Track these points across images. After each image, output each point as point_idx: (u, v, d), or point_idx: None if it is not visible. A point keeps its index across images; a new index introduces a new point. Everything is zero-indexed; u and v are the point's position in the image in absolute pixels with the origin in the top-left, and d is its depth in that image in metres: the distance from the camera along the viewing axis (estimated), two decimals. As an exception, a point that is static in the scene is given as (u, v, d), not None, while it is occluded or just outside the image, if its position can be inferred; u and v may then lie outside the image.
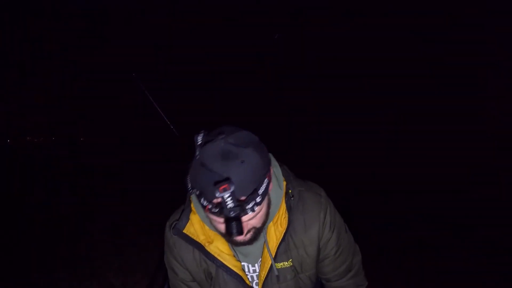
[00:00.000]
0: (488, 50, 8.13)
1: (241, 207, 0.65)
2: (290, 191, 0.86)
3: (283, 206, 0.85)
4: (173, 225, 0.86)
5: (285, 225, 0.84)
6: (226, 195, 0.61)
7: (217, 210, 0.66)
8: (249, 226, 0.75)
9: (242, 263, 0.90)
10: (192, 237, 0.84)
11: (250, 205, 0.67)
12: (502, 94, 8.14)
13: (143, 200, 5.47)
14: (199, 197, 0.70)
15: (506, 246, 3.61)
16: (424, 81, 9.09)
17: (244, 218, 0.70)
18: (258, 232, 0.78)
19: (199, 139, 0.71)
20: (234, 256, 0.88)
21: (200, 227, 0.85)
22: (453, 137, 7.67)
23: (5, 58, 12.34)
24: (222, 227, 0.72)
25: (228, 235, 0.71)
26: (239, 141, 0.68)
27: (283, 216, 0.84)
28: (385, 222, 4.50)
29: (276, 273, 0.88)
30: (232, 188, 0.61)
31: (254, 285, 0.93)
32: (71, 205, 5.34)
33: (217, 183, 0.62)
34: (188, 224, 0.85)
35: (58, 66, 13.44)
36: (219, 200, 0.64)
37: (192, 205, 0.87)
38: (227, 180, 0.63)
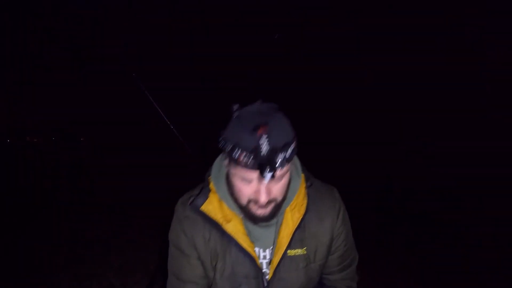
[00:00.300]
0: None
1: (274, 154, 0.69)
2: (308, 181, 0.91)
3: (302, 193, 0.89)
4: (191, 201, 0.89)
5: (302, 212, 0.88)
6: (264, 137, 0.69)
7: (251, 157, 0.70)
8: (272, 195, 0.78)
9: (255, 248, 0.91)
10: (210, 215, 0.86)
11: (281, 157, 0.71)
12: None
13: (143, 200, 5.46)
14: (231, 151, 0.73)
15: (507, 246, 3.61)
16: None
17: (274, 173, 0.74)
18: (277, 208, 0.82)
19: (235, 107, 0.78)
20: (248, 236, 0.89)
21: (218, 206, 0.87)
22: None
23: (5, 58, 12.33)
24: (248, 190, 0.77)
25: (258, 183, 0.75)
26: (272, 106, 0.78)
27: (301, 203, 0.88)
28: (385, 222, 4.50)
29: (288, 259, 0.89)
30: (268, 132, 0.69)
31: (263, 267, 0.92)
32: (71, 205, 5.33)
33: (255, 128, 0.70)
34: (206, 202, 0.88)
35: (59, 66, 13.44)
36: (255, 145, 0.69)
37: (211, 185, 0.90)
38: (265, 124, 0.70)
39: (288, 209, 0.88)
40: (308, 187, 0.91)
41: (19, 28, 11.77)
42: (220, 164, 0.91)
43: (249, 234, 0.89)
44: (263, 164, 0.68)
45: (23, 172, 8.17)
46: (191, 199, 0.90)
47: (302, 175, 0.92)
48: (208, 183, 0.91)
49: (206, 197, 0.88)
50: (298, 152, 0.80)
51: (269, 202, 0.79)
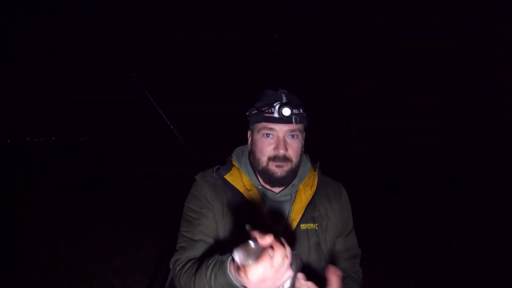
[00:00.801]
0: None
1: (291, 105, 0.94)
2: (316, 168, 1.07)
3: (312, 174, 1.05)
4: (215, 169, 1.03)
5: (313, 189, 1.02)
6: (283, 94, 0.97)
7: (273, 106, 0.94)
8: (288, 152, 0.95)
9: None
10: (232, 183, 1.00)
11: (296, 111, 0.95)
12: None
13: (143, 201, 5.47)
14: (258, 108, 0.98)
15: (508, 248, 3.61)
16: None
17: (289, 127, 0.94)
18: (292, 173, 0.97)
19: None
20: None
21: (239, 177, 1.02)
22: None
23: (5, 58, 12.33)
24: (269, 146, 0.95)
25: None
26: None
27: (312, 183, 1.03)
28: (386, 222, 4.49)
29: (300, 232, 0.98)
30: (286, 93, 0.98)
31: None
32: (71, 205, 5.34)
33: (276, 89, 0.99)
34: (229, 173, 1.03)
35: (59, 66, 13.43)
36: (276, 98, 0.97)
37: (233, 161, 1.06)
38: (283, 89, 0.99)
39: (301, 186, 1.02)
40: (316, 170, 1.07)
41: (19, 28, 11.77)
42: (241, 149, 1.10)
43: (265, 205, 0.99)
44: (283, 105, 0.93)
45: (23, 172, 8.16)
46: (215, 168, 1.03)
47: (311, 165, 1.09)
48: (232, 160, 1.07)
49: (230, 170, 1.04)
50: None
51: (286, 159, 0.94)
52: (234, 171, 1.04)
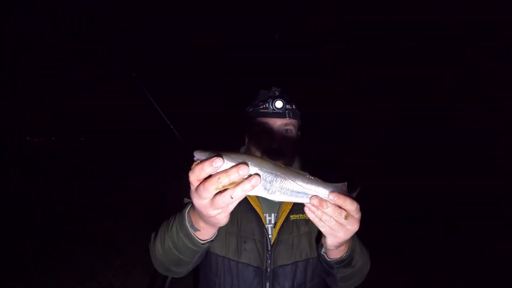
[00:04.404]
0: None
1: (284, 99, 1.01)
2: (306, 165, 1.11)
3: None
4: None
5: None
6: (276, 91, 1.06)
7: (268, 102, 1.01)
8: (283, 144, 0.99)
9: (263, 214, 1.02)
10: None
11: (289, 107, 1.01)
12: None
13: (143, 201, 5.46)
14: (254, 104, 1.04)
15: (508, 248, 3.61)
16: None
17: (282, 121, 1.00)
18: (286, 158, 1.00)
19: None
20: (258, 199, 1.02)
21: None
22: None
23: (6, 59, 12.33)
24: (265, 138, 0.99)
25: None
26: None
27: None
28: (386, 222, 4.49)
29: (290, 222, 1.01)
30: (279, 90, 1.06)
31: (269, 231, 1.01)
32: (71, 205, 5.33)
33: (270, 87, 1.07)
34: None
35: (59, 66, 13.43)
36: (270, 94, 1.05)
37: None
38: (277, 87, 1.08)
39: None
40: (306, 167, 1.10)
41: (19, 28, 11.77)
42: (238, 150, 1.13)
43: (258, 197, 0.99)
44: (275, 98, 0.99)
45: (23, 172, 8.16)
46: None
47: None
48: None
49: None
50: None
51: (279, 152, 0.98)
52: None
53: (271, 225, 1.00)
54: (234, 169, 0.51)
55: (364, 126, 9.64)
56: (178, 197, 0.99)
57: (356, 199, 0.61)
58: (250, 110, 1.06)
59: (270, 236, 0.98)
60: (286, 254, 0.96)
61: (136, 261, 3.33)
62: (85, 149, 13.47)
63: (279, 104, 0.99)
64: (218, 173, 0.52)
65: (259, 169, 0.54)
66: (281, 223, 0.98)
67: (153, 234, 0.89)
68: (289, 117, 1.01)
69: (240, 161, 0.53)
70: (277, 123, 1.01)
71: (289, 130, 1.02)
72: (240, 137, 1.14)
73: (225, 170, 0.51)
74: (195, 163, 0.54)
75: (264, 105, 1.01)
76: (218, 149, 0.56)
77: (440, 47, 9.37)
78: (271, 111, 1.00)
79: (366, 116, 9.85)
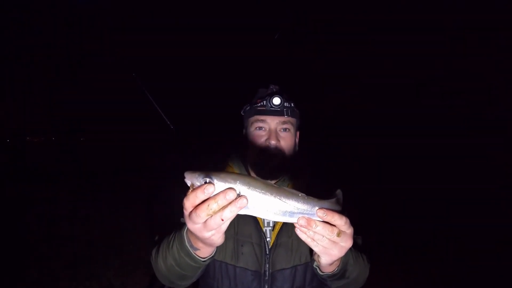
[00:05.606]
0: None
1: (282, 96, 0.98)
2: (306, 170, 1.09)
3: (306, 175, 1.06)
4: (210, 166, 1.09)
5: (304, 187, 1.01)
6: (274, 88, 1.04)
7: (265, 99, 0.98)
8: (280, 143, 0.96)
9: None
10: None
11: (287, 104, 0.98)
12: None
13: (143, 201, 5.46)
14: (252, 102, 1.03)
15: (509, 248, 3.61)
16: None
17: (280, 119, 0.98)
18: (282, 166, 0.97)
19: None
20: None
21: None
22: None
23: (5, 58, 12.33)
24: (262, 137, 0.98)
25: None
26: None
27: (303, 184, 1.04)
28: (385, 222, 4.49)
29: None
30: (277, 88, 1.04)
31: (267, 234, 0.99)
32: (72, 205, 5.33)
33: (269, 85, 1.05)
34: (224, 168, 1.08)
35: (59, 66, 13.43)
36: (268, 92, 1.03)
37: (228, 160, 1.10)
38: (275, 84, 1.06)
39: (291, 185, 1.02)
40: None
41: (19, 27, 11.77)
42: (236, 153, 1.13)
43: None
44: (273, 95, 0.96)
45: (23, 172, 8.15)
46: (210, 165, 1.09)
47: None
48: (227, 165, 1.09)
49: (225, 167, 1.07)
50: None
51: (277, 151, 0.96)
52: (228, 168, 1.07)
53: (270, 228, 0.98)
54: (221, 195, 0.54)
55: (364, 127, 9.63)
56: (178, 196, 0.99)
57: (344, 212, 0.61)
58: (248, 108, 1.04)
59: (268, 239, 0.96)
60: (285, 257, 0.94)
61: (136, 261, 3.33)
62: (85, 149, 13.46)
63: (276, 101, 0.96)
64: (207, 199, 0.55)
65: (247, 188, 0.57)
66: (280, 226, 0.95)
67: (154, 251, 0.89)
68: (287, 115, 0.98)
69: (230, 181, 0.56)
70: (275, 120, 0.98)
71: (287, 129, 0.99)
72: (240, 137, 1.13)
73: (214, 197, 0.55)
74: (189, 190, 0.58)
75: (262, 102, 0.99)
76: (208, 168, 0.60)
77: (440, 47, 9.36)
78: (269, 108, 0.97)
79: (367, 118, 9.85)
